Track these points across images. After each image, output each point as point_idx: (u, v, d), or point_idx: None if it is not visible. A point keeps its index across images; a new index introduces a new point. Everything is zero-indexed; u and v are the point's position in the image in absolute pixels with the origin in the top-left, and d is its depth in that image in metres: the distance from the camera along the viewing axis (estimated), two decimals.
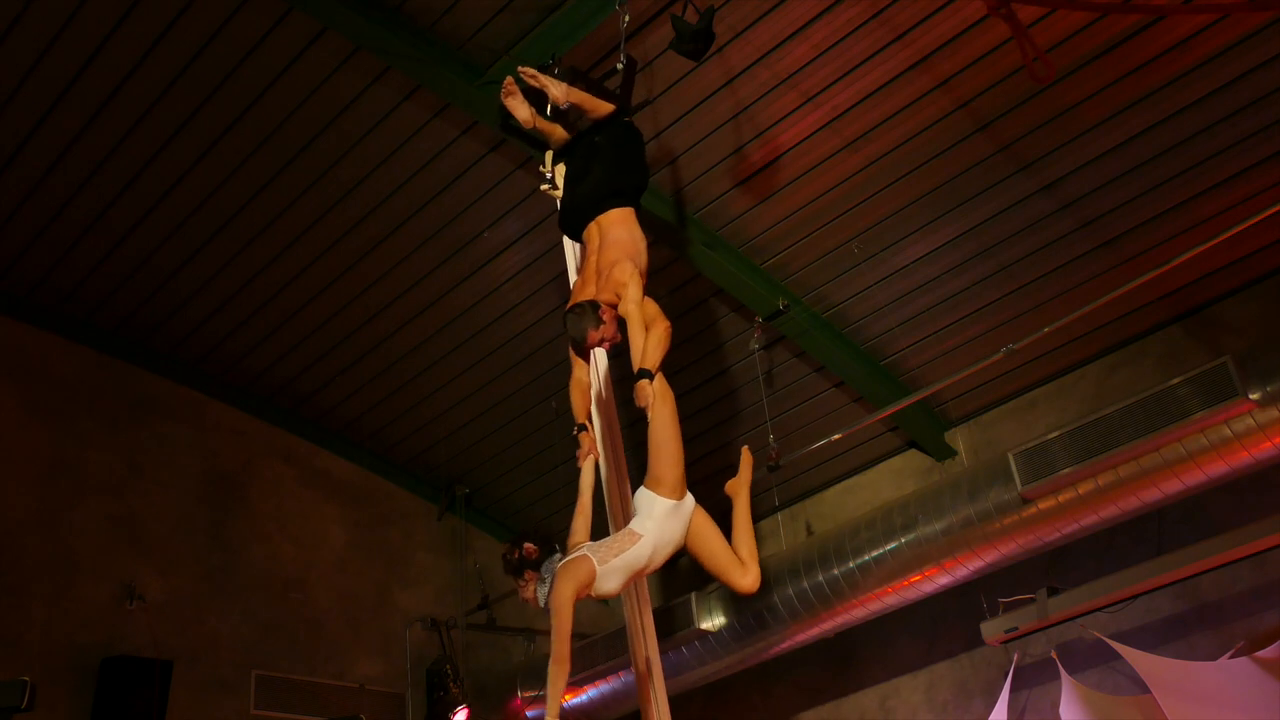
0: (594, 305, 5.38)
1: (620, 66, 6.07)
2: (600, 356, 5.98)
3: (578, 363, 5.76)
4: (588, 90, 6.05)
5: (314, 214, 7.67)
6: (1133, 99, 6.50)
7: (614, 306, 5.43)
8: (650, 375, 5.24)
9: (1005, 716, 7.39)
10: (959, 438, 8.42)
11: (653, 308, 5.53)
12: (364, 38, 6.50)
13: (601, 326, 5.38)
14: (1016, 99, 6.57)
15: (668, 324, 5.47)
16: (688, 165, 7.20)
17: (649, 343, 5.31)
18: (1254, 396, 6.17)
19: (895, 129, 6.84)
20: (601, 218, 5.70)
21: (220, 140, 7.19)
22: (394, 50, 6.53)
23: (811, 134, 6.92)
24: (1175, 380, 6.43)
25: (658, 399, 5.22)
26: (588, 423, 5.67)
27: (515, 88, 6.01)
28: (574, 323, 5.41)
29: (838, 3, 6.24)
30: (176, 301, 8.30)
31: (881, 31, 6.35)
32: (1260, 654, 6.60)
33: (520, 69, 5.99)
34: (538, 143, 6.27)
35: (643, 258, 5.62)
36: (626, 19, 6.03)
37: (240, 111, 7.03)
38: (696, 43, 5.80)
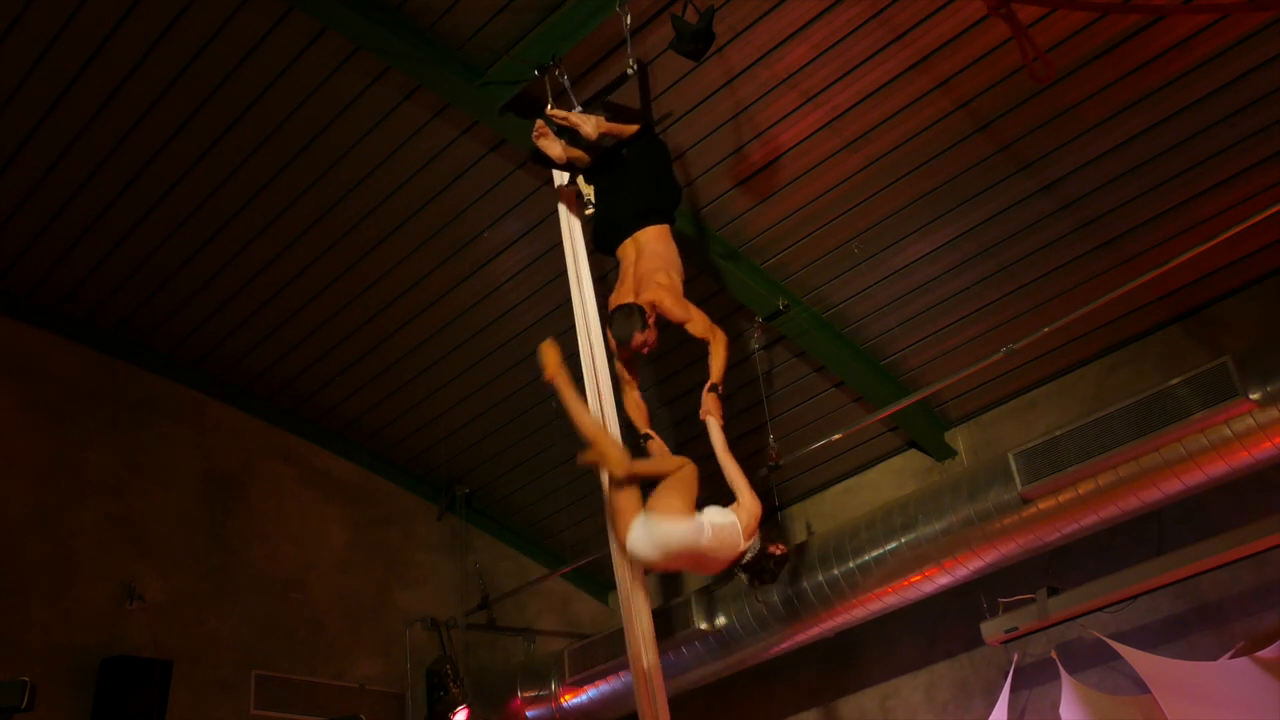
0: (640, 309, 5.47)
1: (631, 72, 6.09)
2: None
3: (628, 382, 5.90)
4: (613, 117, 6.13)
5: (314, 214, 7.67)
6: (1133, 99, 6.51)
7: (655, 308, 5.56)
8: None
9: (1005, 716, 7.39)
10: (959, 438, 8.43)
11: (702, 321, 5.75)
12: (364, 38, 6.50)
13: (646, 330, 5.46)
14: (1016, 99, 6.58)
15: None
16: (688, 165, 7.19)
17: (722, 358, 5.58)
18: (1254, 396, 6.17)
19: (895, 129, 6.84)
20: (639, 234, 5.79)
21: (220, 140, 7.19)
22: (394, 50, 6.53)
23: (811, 134, 6.92)
24: (1175, 380, 6.43)
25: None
26: (651, 432, 5.88)
27: (547, 130, 6.08)
28: (621, 323, 5.50)
29: (838, 3, 6.24)
30: (176, 301, 8.30)
31: (881, 31, 6.35)
32: (1260, 654, 6.60)
33: (550, 111, 6.08)
34: (569, 168, 6.34)
35: (680, 271, 5.73)
36: (628, 19, 6.04)
37: (240, 111, 7.03)
38: (696, 43, 5.81)
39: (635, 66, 6.05)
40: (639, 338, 5.49)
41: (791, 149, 7.02)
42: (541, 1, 6.36)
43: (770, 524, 8.98)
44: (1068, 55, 6.24)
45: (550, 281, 7.79)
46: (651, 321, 5.51)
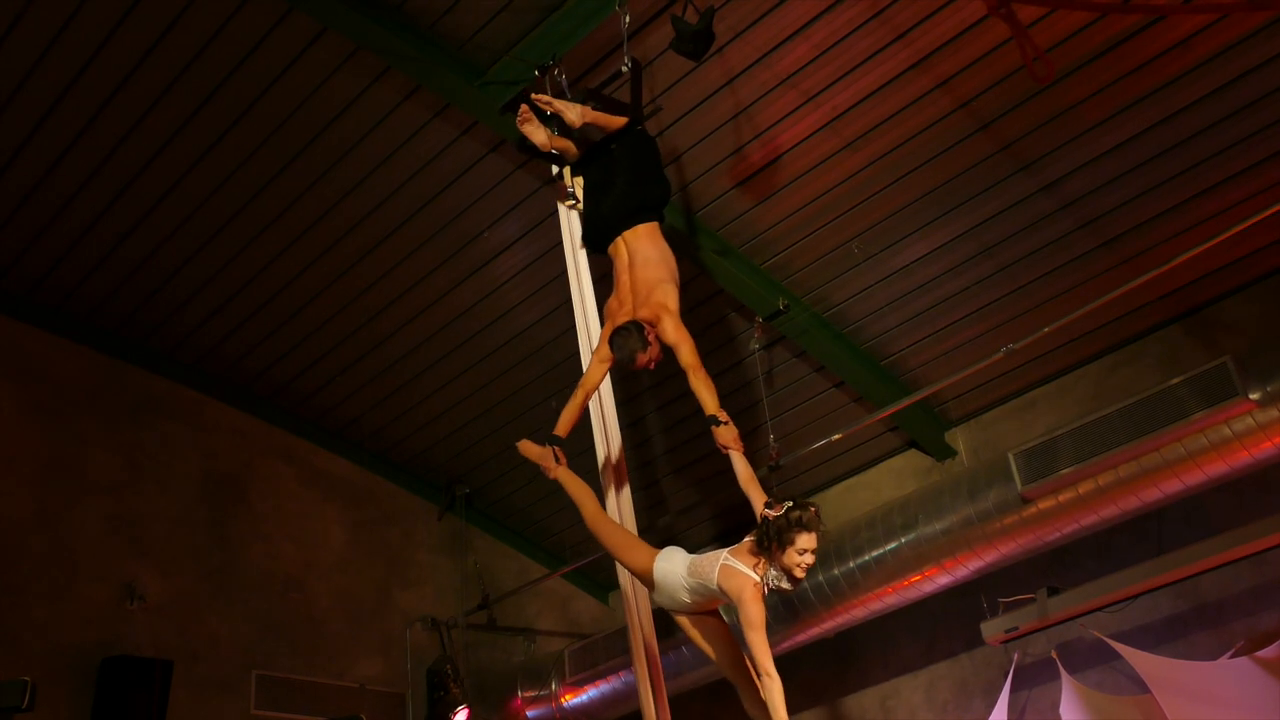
0: (639, 327, 5.40)
1: (626, 69, 6.09)
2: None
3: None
4: (600, 106, 6.08)
5: (314, 214, 7.67)
6: (1133, 99, 6.50)
7: (654, 325, 5.47)
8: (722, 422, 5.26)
9: (1005, 716, 7.39)
10: (959, 438, 8.42)
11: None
12: (364, 38, 6.51)
13: (649, 348, 5.40)
14: (1016, 99, 6.57)
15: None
16: (688, 165, 7.20)
17: (708, 390, 5.33)
18: (1254, 396, 6.17)
19: (895, 129, 6.84)
20: (628, 233, 5.74)
21: (220, 140, 7.20)
22: (394, 50, 6.53)
23: (811, 134, 6.92)
24: (1175, 380, 6.44)
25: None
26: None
27: (531, 115, 6.05)
28: (622, 345, 5.41)
29: (838, 3, 6.24)
30: (176, 301, 8.30)
31: (882, 31, 6.35)
32: (1260, 654, 6.61)
33: (534, 96, 6.04)
34: (555, 159, 6.31)
35: (677, 276, 5.67)
36: (627, 19, 6.05)
37: (240, 112, 7.03)
38: (696, 43, 5.81)
39: (630, 64, 6.05)
40: (642, 357, 5.42)
41: (791, 149, 7.02)
42: (541, 1, 6.36)
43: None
44: (1068, 55, 6.24)
45: (550, 281, 7.79)
46: (652, 338, 5.44)
